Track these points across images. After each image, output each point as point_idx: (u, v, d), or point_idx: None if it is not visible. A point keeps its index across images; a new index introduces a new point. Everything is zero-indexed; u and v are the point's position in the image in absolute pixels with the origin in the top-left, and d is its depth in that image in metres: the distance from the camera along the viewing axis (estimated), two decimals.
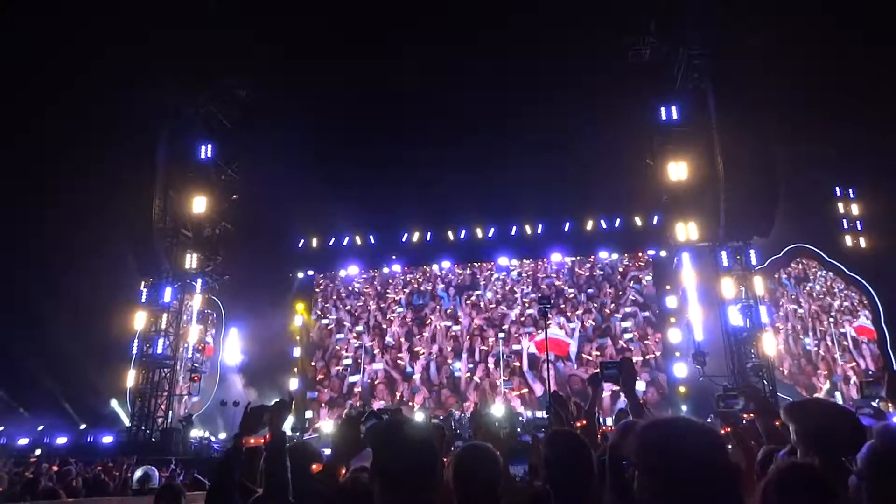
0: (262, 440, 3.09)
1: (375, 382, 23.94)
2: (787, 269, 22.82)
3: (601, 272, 24.39)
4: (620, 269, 24.40)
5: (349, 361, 24.52)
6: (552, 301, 13.54)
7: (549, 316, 15.07)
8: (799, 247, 22.62)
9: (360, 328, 25.16)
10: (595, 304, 23.83)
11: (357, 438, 3.11)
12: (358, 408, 20.90)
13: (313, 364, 24.85)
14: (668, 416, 1.79)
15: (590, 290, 24.09)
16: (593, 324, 23.45)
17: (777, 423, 3.16)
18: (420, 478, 2.17)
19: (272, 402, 3.17)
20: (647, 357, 22.57)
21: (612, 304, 23.74)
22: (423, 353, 24.02)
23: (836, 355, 21.60)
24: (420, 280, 25.74)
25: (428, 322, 24.66)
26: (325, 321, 25.60)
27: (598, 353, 22.62)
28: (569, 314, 23.72)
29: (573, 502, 2.71)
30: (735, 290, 20.28)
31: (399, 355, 24.21)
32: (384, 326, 24.97)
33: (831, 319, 22.10)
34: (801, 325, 22.22)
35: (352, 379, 24.19)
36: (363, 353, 24.53)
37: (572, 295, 24.13)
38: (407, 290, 25.55)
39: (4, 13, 19.50)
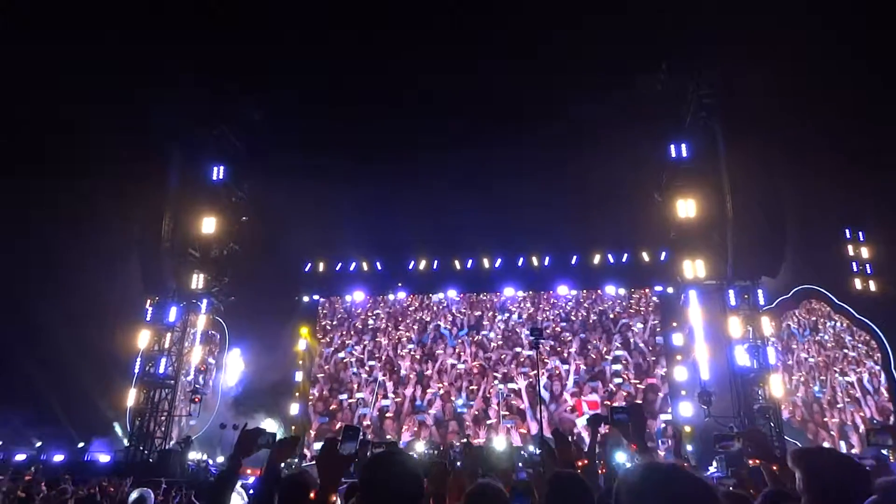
0: (259, 471, 3.06)
1: (385, 415, 23.85)
2: (796, 314, 22.63)
3: (596, 317, 24.50)
4: (612, 315, 24.44)
5: (361, 395, 24.44)
6: (543, 332, 14.05)
7: (540, 347, 15.31)
8: (808, 288, 22.45)
9: (373, 363, 25.11)
10: (588, 348, 23.93)
11: (338, 462, 3.08)
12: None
13: (325, 393, 24.73)
14: (667, 464, 1.81)
15: (582, 335, 24.17)
16: (585, 367, 23.52)
17: (774, 468, 3.12)
18: None
19: (272, 432, 3.15)
20: (636, 401, 22.42)
21: (604, 348, 23.80)
22: (432, 390, 23.99)
23: (844, 403, 21.28)
24: (428, 319, 25.71)
25: (436, 359, 24.67)
26: (341, 355, 25.50)
27: (592, 392, 22.83)
28: (564, 356, 23.83)
29: None
30: (742, 330, 20.12)
31: (407, 391, 24.15)
32: (397, 362, 24.94)
33: (837, 369, 21.83)
34: (810, 374, 21.96)
35: (362, 411, 24.09)
36: (376, 386, 24.44)
37: (568, 338, 24.20)
38: (416, 328, 25.53)
39: (13, 35, 19.92)
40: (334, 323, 26.34)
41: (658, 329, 23.73)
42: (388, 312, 26.15)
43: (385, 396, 24.24)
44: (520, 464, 15.96)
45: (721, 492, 3.09)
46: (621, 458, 5.65)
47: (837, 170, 19.27)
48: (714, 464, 16.46)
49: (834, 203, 20.94)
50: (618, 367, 23.32)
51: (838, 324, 22.36)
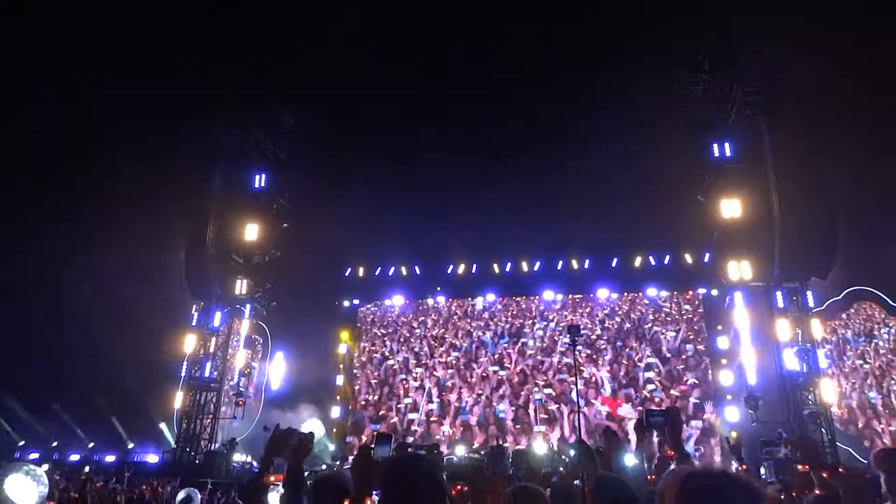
0: (282, 476, 3.06)
1: (430, 419, 24.08)
2: (849, 319, 21.87)
3: (630, 324, 24.31)
4: (647, 325, 24.19)
5: (409, 400, 24.71)
6: (580, 330, 14.21)
7: (577, 344, 15.36)
8: (860, 289, 21.65)
9: (420, 370, 25.35)
10: (622, 355, 23.79)
11: (369, 467, 3.10)
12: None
13: (376, 398, 25.05)
14: (710, 469, 1.77)
15: (618, 343, 24.05)
16: (620, 373, 23.43)
17: (825, 475, 3.02)
18: None
19: (303, 433, 3.15)
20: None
21: (637, 356, 23.63)
22: (473, 395, 24.17)
23: None
24: (472, 327, 25.82)
25: (479, 365, 24.86)
26: (390, 362, 25.79)
27: (625, 400, 22.75)
28: (599, 363, 23.74)
29: None
30: (791, 333, 19.50)
31: (452, 396, 24.36)
32: (442, 369, 25.15)
33: (895, 377, 21.02)
34: (865, 380, 21.19)
35: (411, 416, 24.36)
36: (423, 392, 24.72)
37: (603, 346, 24.09)
38: (460, 335, 25.70)
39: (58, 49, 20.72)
40: (375, 329, 26.60)
41: (690, 336, 23.48)
42: (434, 320, 26.31)
43: (431, 401, 24.43)
44: (560, 468, 15.78)
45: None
46: (630, 460, 5.56)
47: (890, 167, 18.53)
48: (762, 469, 16.00)
49: (888, 201, 20.15)
50: (650, 374, 23.16)
51: (893, 329, 21.51)
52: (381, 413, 24.69)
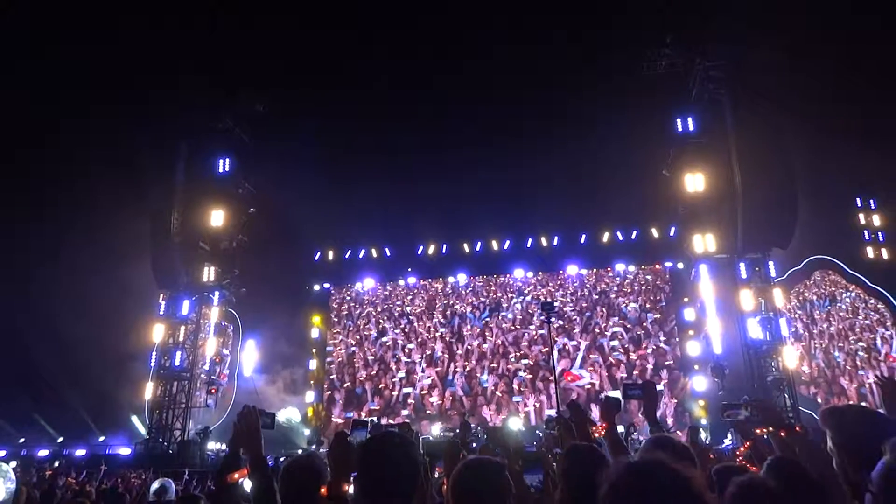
0: (246, 471, 2.90)
1: (422, 392, 24.54)
2: (815, 284, 22.65)
3: (597, 296, 25.20)
4: (613, 295, 25.10)
5: (402, 374, 25.11)
6: (553, 307, 14.59)
7: (552, 320, 15.65)
8: (819, 258, 22.31)
9: (411, 345, 25.67)
10: (590, 325, 24.65)
11: (347, 451, 3.09)
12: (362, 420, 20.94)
13: (374, 372, 25.37)
14: (649, 459, 1.70)
15: (588, 314, 24.88)
16: (588, 343, 24.28)
17: (783, 434, 3.14)
18: (397, 494, 2.21)
19: (272, 412, 2.99)
20: (634, 373, 23.28)
21: (604, 324, 24.54)
22: (459, 369, 24.71)
23: (861, 369, 21.37)
24: (456, 304, 26.24)
25: (463, 341, 25.37)
26: (384, 339, 26.06)
27: (591, 369, 23.74)
28: (571, 334, 24.57)
29: None
30: (754, 303, 20.03)
31: (439, 370, 24.86)
32: (430, 345, 25.55)
33: (854, 337, 21.93)
34: (831, 342, 22.06)
35: (405, 391, 24.75)
36: (415, 367, 25.16)
37: (574, 318, 24.89)
38: (447, 313, 26.10)
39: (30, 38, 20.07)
40: (346, 312, 26.64)
41: (647, 306, 24.51)
42: (423, 298, 26.60)
43: (421, 375, 24.96)
44: (534, 442, 16.11)
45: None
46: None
47: (847, 139, 19.02)
48: (729, 436, 16.52)
49: (845, 172, 20.71)
50: (615, 342, 24.09)
51: (853, 293, 22.32)
52: (380, 386, 25.01)
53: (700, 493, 1.48)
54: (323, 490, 3.00)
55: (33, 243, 21.39)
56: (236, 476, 2.97)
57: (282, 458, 10.82)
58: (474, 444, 14.90)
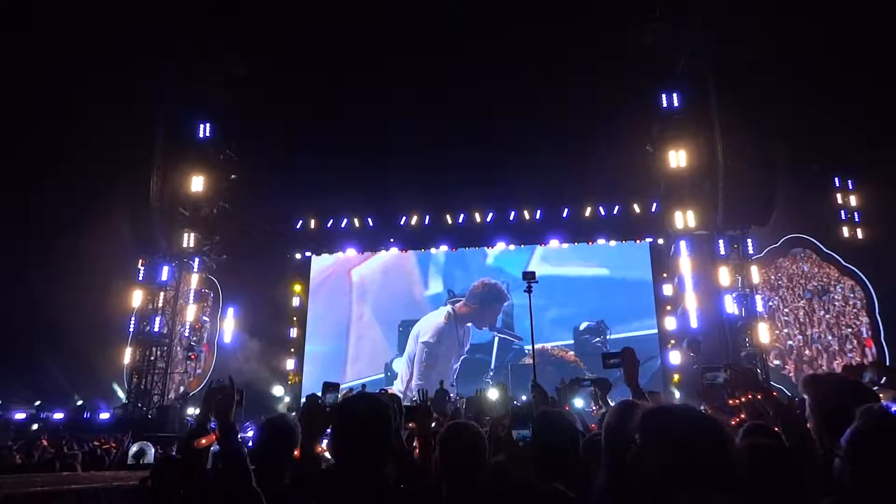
0: (214, 437, 2.84)
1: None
2: (787, 262, 22.93)
3: None
4: None
5: None
6: (535, 276, 14.41)
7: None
8: (796, 237, 22.61)
9: None
10: None
11: (318, 413, 3.10)
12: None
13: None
14: (671, 404, 1.83)
15: None
16: None
17: (759, 396, 3.22)
18: (369, 452, 2.26)
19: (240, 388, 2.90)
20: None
21: None
22: None
23: (834, 348, 21.84)
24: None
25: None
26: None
27: None
28: None
29: (559, 473, 2.75)
30: (731, 279, 20.36)
31: None
32: None
33: (828, 317, 22.33)
34: (805, 320, 22.45)
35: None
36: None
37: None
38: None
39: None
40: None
41: None
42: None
43: None
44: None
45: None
46: (579, 403, 5.81)
47: (828, 117, 19.16)
48: (702, 408, 16.89)
49: (824, 151, 20.91)
50: None
51: (829, 272, 22.70)
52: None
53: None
54: (296, 452, 3.02)
55: (6, 206, 20.92)
56: (203, 442, 2.94)
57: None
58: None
